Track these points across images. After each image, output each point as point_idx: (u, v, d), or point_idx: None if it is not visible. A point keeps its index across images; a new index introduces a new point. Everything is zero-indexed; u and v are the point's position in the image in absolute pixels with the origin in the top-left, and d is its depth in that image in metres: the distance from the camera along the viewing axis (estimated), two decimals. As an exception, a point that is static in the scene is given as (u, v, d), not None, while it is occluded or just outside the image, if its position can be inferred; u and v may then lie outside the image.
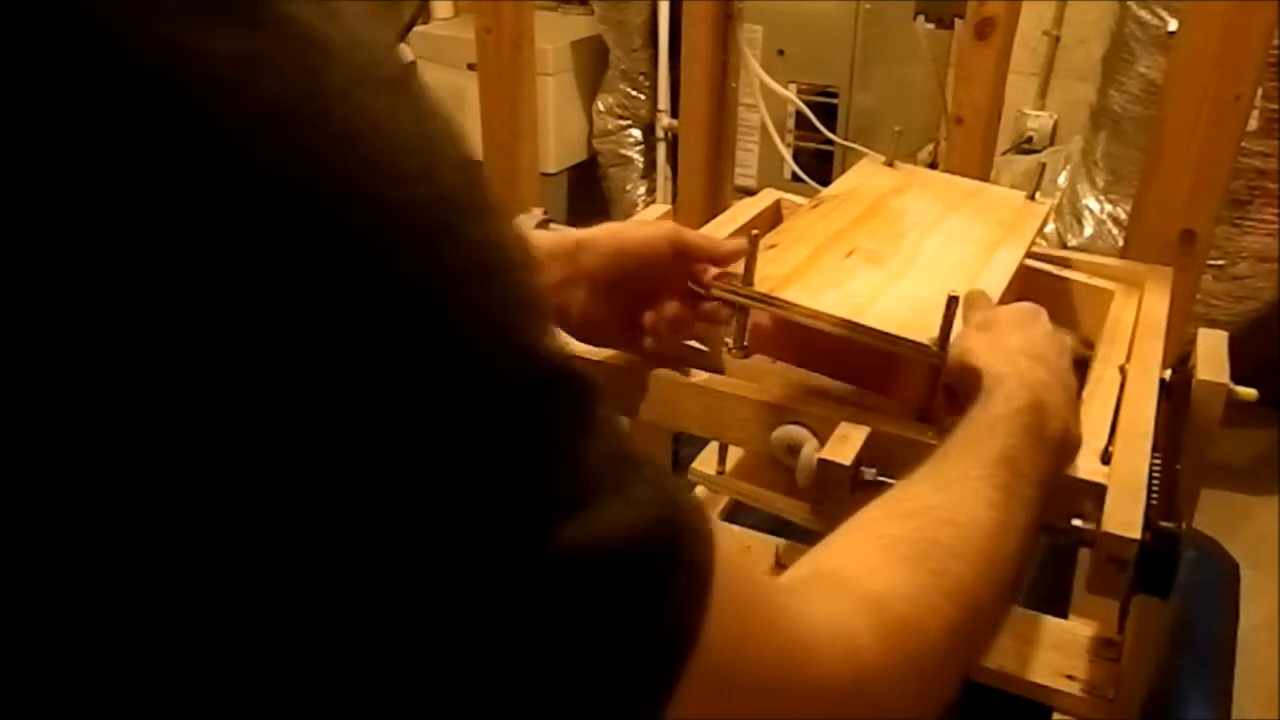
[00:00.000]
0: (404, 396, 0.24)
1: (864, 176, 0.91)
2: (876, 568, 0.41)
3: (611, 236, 0.69)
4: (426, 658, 0.25)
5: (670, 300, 0.70)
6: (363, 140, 0.23)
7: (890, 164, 0.94)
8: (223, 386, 0.22)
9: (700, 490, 0.92)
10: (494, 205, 0.27)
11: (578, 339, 0.71)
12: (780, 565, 0.91)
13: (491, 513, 0.26)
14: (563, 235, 0.71)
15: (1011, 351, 0.58)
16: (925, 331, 0.64)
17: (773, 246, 0.74)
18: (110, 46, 0.20)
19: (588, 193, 2.70)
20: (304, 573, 0.24)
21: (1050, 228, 1.99)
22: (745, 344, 0.70)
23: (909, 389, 0.69)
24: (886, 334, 0.65)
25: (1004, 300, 0.71)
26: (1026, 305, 0.65)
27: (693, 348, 0.75)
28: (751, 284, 0.69)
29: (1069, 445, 0.56)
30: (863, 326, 0.66)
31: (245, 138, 0.22)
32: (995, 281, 0.73)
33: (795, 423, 0.66)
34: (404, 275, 0.24)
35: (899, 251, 0.77)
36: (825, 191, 0.88)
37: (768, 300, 0.68)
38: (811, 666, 0.34)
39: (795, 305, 0.67)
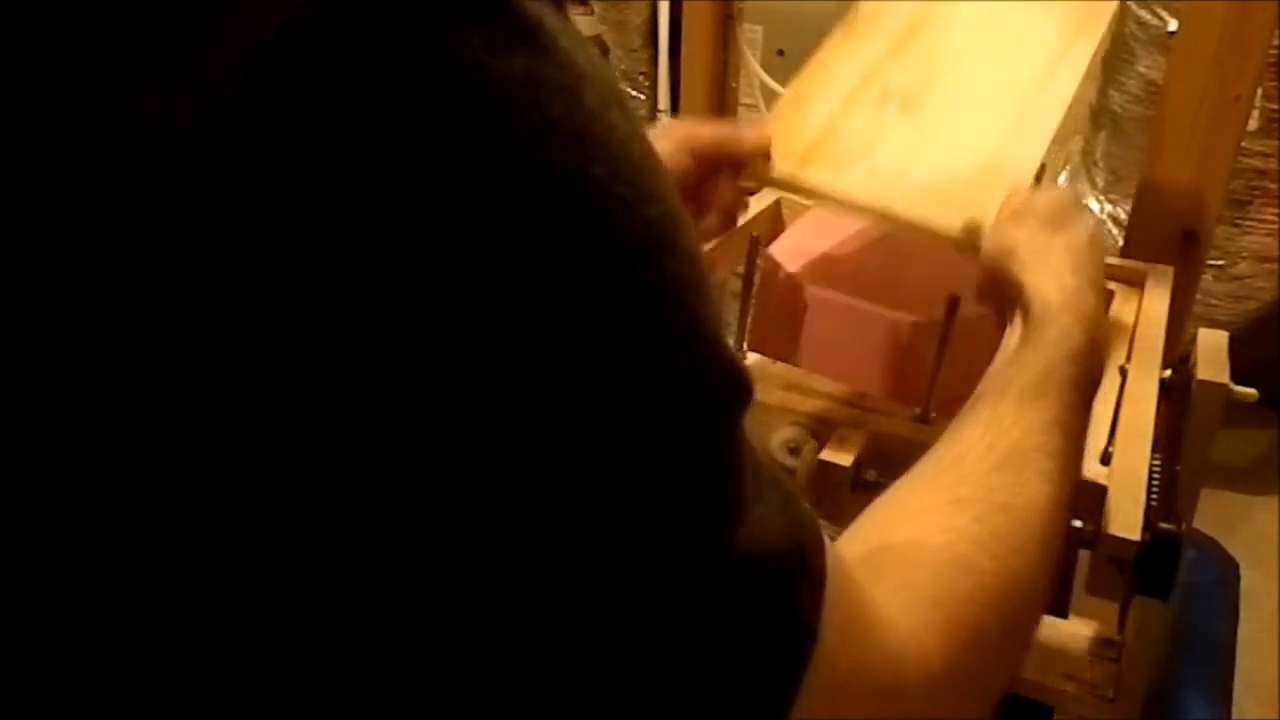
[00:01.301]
0: (627, 399, 0.26)
1: None
2: (940, 567, 0.41)
3: None
4: (589, 651, 0.27)
5: (709, 199, 0.68)
6: (615, 157, 0.25)
7: None
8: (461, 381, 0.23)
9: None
10: (689, 219, 0.29)
11: None
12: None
13: (678, 514, 0.27)
14: None
15: (1059, 267, 0.54)
16: (959, 207, 0.61)
17: (796, 98, 0.70)
18: (426, 57, 0.22)
19: (588, 193, 2.70)
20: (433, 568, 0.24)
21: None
22: (744, 346, 0.70)
23: (912, 367, 0.69)
24: (915, 223, 0.62)
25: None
26: (1066, 197, 0.62)
27: None
28: (752, 284, 0.69)
29: (1101, 377, 0.54)
30: (890, 215, 0.63)
31: (528, 150, 0.23)
32: (1047, 122, 0.68)
33: (795, 424, 0.66)
34: (643, 287, 0.26)
35: (937, 86, 0.70)
36: (861, 8, 0.77)
37: (791, 186, 0.65)
38: (892, 675, 0.35)
39: (818, 191, 0.65)
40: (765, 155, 0.66)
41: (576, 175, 0.24)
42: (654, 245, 0.26)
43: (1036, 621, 0.46)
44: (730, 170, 0.67)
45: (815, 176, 0.65)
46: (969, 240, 0.60)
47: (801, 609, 0.30)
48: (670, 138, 0.66)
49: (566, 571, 0.26)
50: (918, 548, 0.41)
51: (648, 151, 0.27)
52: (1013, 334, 0.53)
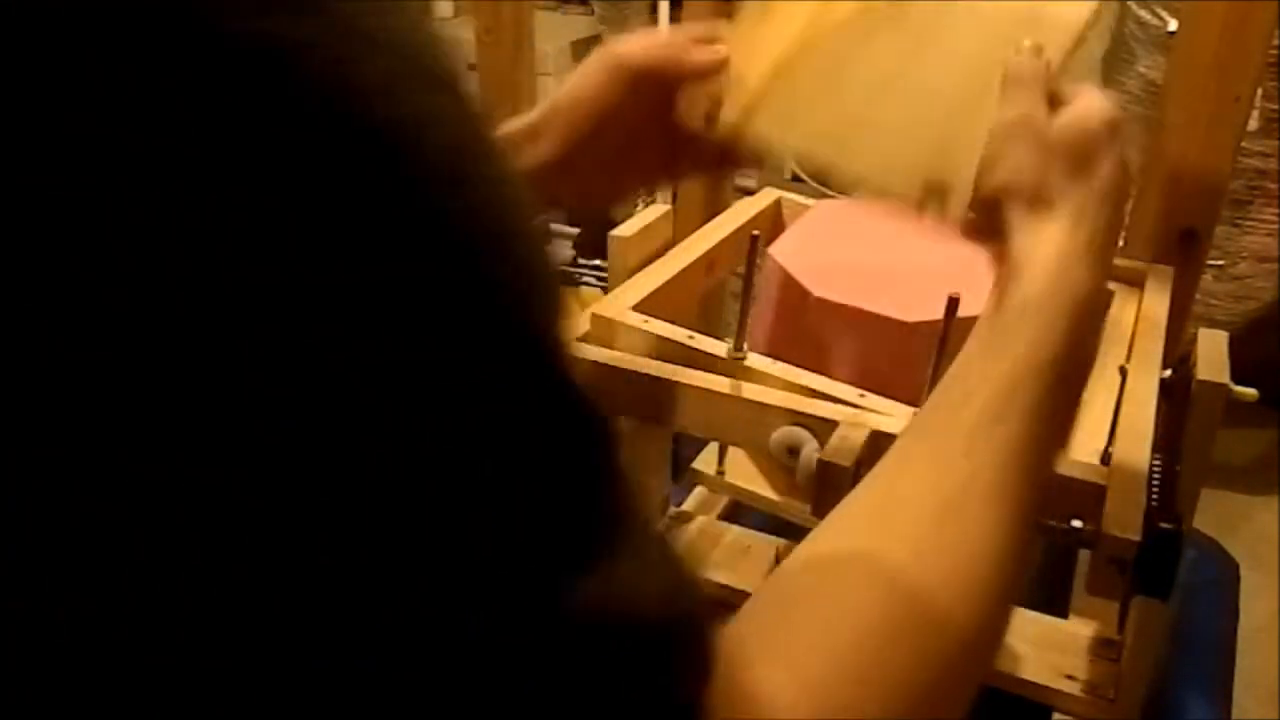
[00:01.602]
0: (454, 415, 0.24)
1: None
2: (852, 649, 0.35)
3: (556, 114, 0.59)
4: (428, 703, 0.25)
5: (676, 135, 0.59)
6: (405, 142, 0.23)
7: None
8: (274, 388, 0.22)
9: (700, 490, 0.92)
10: (534, 212, 0.26)
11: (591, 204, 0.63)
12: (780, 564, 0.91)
13: (513, 557, 0.25)
14: (512, 130, 0.61)
15: (1054, 232, 0.44)
16: (937, 148, 0.53)
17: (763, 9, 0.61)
18: (200, 31, 0.20)
19: (588, 193, 2.70)
20: (317, 579, 0.23)
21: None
22: (744, 346, 0.70)
23: (912, 367, 0.69)
24: (869, 186, 0.56)
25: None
26: (1097, 112, 0.46)
27: None
28: (752, 284, 0.69)
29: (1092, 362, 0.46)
30: (845, 176, 0.57)
31: (275, 133, 0.21)
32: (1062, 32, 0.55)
33: (795, 424, 0.66)
34: (445, 303, 0.23)
35: None
36: None
37: (732, 138, 0.58)
38: None
39: (766, 146, 0.58)
40: (715, 95, 0.56)
41: (356, 148, 0.21)
42: (462, 247, 0.23)
43: (968, 693, 0.38)
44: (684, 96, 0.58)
45: (767, 122, 0.56)
46: (930, 201, 0.52)
47: (684, 678, 0.27)
48: (601, 67, 0.58)
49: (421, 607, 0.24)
50: (828, 627, 0.35)
51: (466, 138, 0.24)
52: (986, 311, 0.45)
